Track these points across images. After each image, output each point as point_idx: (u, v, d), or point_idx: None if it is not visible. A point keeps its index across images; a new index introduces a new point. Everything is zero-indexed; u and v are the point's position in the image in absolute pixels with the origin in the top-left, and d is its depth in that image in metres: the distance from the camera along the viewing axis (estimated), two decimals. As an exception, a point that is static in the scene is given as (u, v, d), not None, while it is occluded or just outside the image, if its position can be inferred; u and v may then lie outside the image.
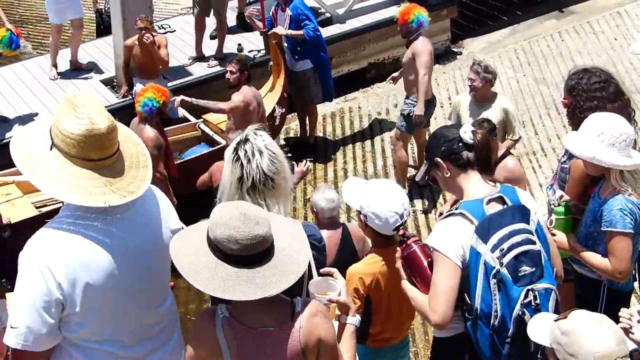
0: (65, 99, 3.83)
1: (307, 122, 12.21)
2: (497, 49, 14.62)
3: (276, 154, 4.13)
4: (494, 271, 4.43)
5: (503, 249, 4.43)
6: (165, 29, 13.99)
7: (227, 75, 10.46)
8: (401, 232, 4.98)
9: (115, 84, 12.57)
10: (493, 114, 8.85)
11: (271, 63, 11.81)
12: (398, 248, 4.85)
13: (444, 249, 4.49)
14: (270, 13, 11.69)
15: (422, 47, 10.29)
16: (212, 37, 13.48)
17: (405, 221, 5.22)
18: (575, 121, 6.16)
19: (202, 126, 11.46)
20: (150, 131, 9.52)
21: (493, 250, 4.44)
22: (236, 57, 10.76)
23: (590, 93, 6.13)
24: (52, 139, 3.77)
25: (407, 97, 10.58)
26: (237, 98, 10.31)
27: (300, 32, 11.28)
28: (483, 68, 9.15)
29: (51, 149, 3.75)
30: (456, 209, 4.60)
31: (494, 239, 4.45)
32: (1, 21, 11.96)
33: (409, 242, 4.79)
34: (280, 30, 11.33)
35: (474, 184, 4.64)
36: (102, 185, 3.78)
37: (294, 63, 11.57)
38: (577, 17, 15.68)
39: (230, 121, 10.50)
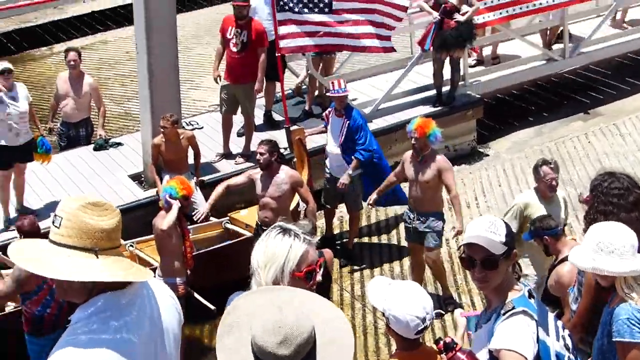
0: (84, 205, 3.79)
1: (348, 226, 12.32)
2: (524, 149, 14.65)
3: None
4: (565, 359, 4.53)
5: (564, 337, 4.53)
6: (193, 125, 14.13)
7: (257, 157, 10.55)
8: (447, 339, 4.90)
9: (142, 179, 12.68)
10: (560, 209, 8.87)
11: (294, 159, 11.88)
12: (443, 356, 4.79)
13: (522, 349, 4.45)
14: (324, 114, 11.83)
15: (447, 163, 10.35)
16: (239, 135, 13.59)
17: (428, 326, 5.12)
18: (587, 220, 6.13)
19: (228, 225, 11.50)
20: (159, 222, 9.72)
21: (557, 339, 4.51)
22: (266, 139, 10.86)
23: (607, 197, 6.11)
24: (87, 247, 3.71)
25: (430, 214, 10.43)
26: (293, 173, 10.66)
27: (355, 162, 11.47)
28: (555, 164, 9.11)
29: (97, 256, 3.71)
30: (513, 307, 4.55)
31: (552, 330, 4.51)
32: (36, 125, 12.18)
33: (455, 352, 4.72)
34: (345, 178, 11.47)
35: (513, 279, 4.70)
36: (128, 266, 3.77)
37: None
38: (603, 119, 15.71)
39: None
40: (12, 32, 21.98)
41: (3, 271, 9.38)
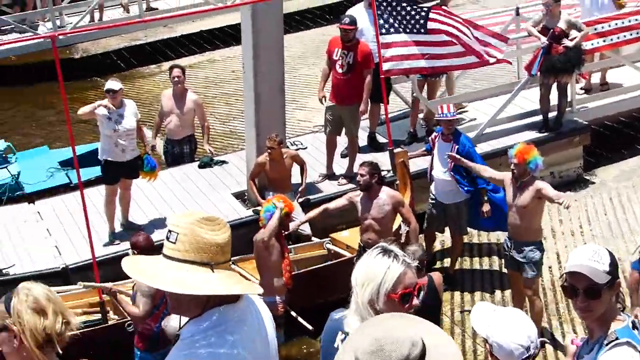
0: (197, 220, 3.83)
1: (450, 252, 12.24)
2: (631, 178, 14.33)
3: None
4: None
5: None
6: (297, 145, 14.21)
7: (357, 179, 10.56)
8: None
9: (246, 197, 12.79)
10: None
11: (397, 182, 11.85)
12: None
13: None
14: (430, 138, 11.80)
15: (545, 184, 10.22)
16: (342, 156, 13.62)
17: (532, 355, 5.03)
18: None
19: (329, 245, 11.53)
20: (260, 233, 9.77)
21: None
22: (366, 161, 10.89)
23: None
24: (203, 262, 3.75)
25: (527, 244, 10.23)
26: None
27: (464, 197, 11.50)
28: None
29: (213, 270, 3.76)
30: (616, 338, 4.46)
31: None
32: (143, 142, 12.42)
33: None
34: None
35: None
36: (240, 280, 3.81)
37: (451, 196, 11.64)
38: None
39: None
40: (122, 50, 22.47)
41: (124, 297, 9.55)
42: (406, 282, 4.01)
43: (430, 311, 7.52)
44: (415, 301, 4.02)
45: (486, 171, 10.98)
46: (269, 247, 9.87)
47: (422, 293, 4.09)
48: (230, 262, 3.83)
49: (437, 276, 9.10)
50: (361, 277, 4.04)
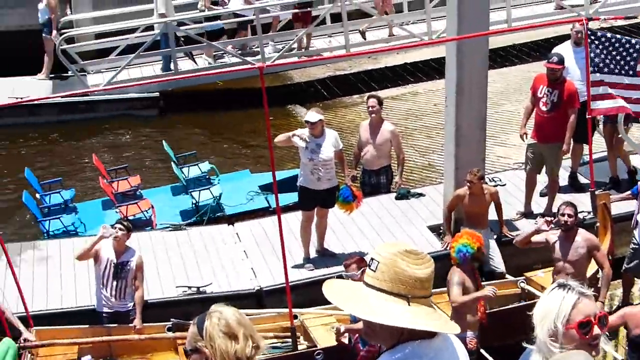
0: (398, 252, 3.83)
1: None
2: None
3: None
4: None
5: None
6: (496, 182, 14.05)
7: (561, 219, 10.38)
8: None
9: (441, 230, 12.72)
10: None
11: (597, 224, 11.52)
12: None
13: None
14: (638, 186, 11.49)
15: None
16: (542, 195, 13.37)
17: None
18: None
19: (524, 285, 11.32)
20: (455, 273, 9.67)
21: None
22: (569, 201, 10.68)
23: None
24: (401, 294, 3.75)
25: None
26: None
27: None
28: None
29: (409, 303, 3.75)
30: None
31: None
32: (343, 172, 12.53)
33: None
34: None
35: None
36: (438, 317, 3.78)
37: None
38: None
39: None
40: (326, 79, 22.84)
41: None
42: (583, 310, 3.87)
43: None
44: (597, 330, 3.87)
45: None
46: (464, 289, 9.80)
47: (604, 323, 3.94)
48: (430, 298, 3.80)
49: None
50: (539, 313, 3.97)
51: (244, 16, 21.05)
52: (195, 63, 20.86)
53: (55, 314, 11.32)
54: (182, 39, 20.91)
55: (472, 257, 9.81)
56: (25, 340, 10.16)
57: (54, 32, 20.57)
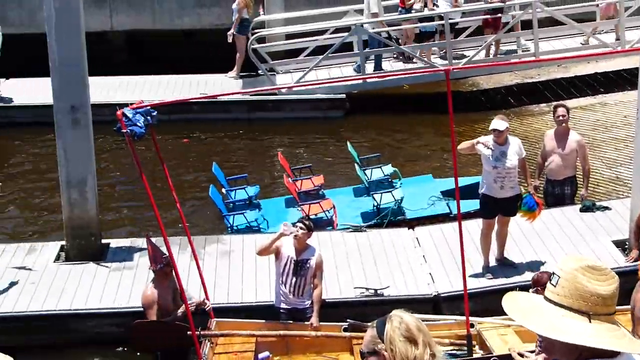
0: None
1: None
2: None
3: None
4: None
5: None
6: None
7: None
8: None
9: (626, 246, 12.39)
10: None
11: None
12: None
13: None
14: None
15: None
16: None
17: None
18: None
19: None
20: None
21: None
22: None
23: None
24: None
25: None
26: None
27: None
28: None
29: (590, 320, 3.68)
30: None
31: None
32: (526, 181, 12.34)
33: None
34: None
35: None
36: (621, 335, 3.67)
37: None
38: None
39: None
40: (513, 87, 22.55)
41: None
42: None
43: None
44: None
45: None
46: None
47: None
48: (614, 315, 3.70)
49: None
50: None
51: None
52: (381, 68, 20.94)
53: (235, 308, 11.63)
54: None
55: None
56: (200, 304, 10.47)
57: (231, 30, 21.18)
